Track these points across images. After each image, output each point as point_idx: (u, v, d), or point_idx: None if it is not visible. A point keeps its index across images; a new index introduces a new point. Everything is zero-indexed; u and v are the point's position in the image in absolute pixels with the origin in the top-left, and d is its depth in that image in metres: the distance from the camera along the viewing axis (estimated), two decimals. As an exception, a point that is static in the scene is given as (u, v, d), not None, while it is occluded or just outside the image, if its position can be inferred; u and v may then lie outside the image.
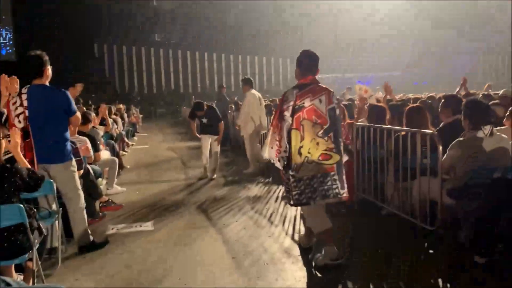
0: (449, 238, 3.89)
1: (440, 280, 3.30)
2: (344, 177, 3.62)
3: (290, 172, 3.53)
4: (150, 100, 34.74)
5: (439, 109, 4.61)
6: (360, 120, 5.37)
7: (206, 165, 7.83)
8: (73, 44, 31.44)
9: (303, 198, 3.50)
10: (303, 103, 3.50)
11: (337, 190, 3.54)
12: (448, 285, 3.22)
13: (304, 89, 3.55)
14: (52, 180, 3.84)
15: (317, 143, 3.49)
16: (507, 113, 4.45)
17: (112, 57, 37.21)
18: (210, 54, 40.53)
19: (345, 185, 3.62)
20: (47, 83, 3.96)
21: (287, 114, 3.53)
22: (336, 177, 3.54)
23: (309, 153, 3.48)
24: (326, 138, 3.50)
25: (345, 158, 3.72)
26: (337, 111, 3.59)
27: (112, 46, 36.86)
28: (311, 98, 3.52)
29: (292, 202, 3.57)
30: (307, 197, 3.50)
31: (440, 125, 4.49)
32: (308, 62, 3.69)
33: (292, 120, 3.50)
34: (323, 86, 3.64)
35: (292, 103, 3.52)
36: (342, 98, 8.64)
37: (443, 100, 4.66)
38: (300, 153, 3.49)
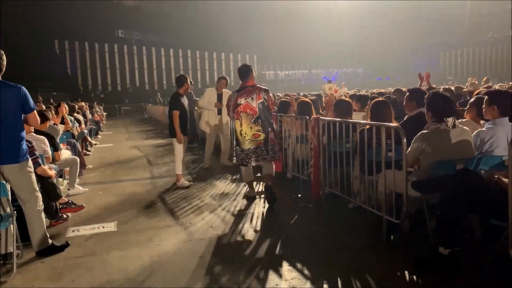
0: (414, 230, 3.93)
1: (406, 272, 3.32)
2: (269, 147, 5.37)
3: (237, 146, 5.49)
4: (114, 97, 33.90)
5: (404, 102, 4.66)
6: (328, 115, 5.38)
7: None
8: (32, 40, 30.28)
9: (243, 162, 5.44)
10: (241, 101, 5.32)
11: (264, 156, 5.37)
12: (414, 277, 3.25)
13: (242, 91, 5.38)
14: (5, 182, 3.63)
15: (251, 127, 5.33)
16: (467, 106, 4.54)
17: (74, 54, 36.04)
18: (175, 50, 39.96)
19: (270, 152, 5.39)
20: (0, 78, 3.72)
21: (231, 109, 5.43)
22: (263, 148, 5.36)
23: (246, 133, 5.34)
24: (256, 123, 5.32)
25: (271, 134, 5.46)
26: (265, 104, 5.35)
27: (74, 43, 35.70)
28: (245, 97, 5.33)
29: (236, 162, 5.58)
30: (245, 161, 5.42)
31: (405, 118, 4.54)
32: (243, 73, 5.49)
33: (234, 113, 5.40)
34: (257, 86, 5.40)
35: (233, 101, 5.39)
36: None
37: (407, 94, 4.71)
38: (241, 134, 5.38)
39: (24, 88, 3.75)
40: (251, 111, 5.29)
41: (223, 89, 8.21)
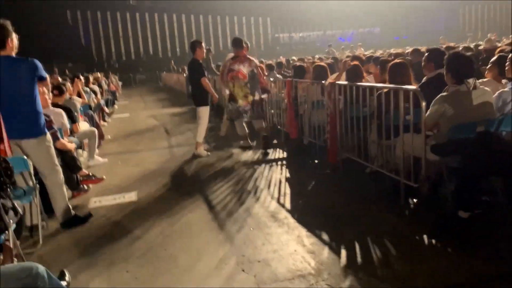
0: (433, 194, 3.90)
1: (425, 236, 3.32)
2: (254, 108, 6.55)
3: (232, 102, 6.58)
4: (129, 66, 33.84)
5: (422, 63, 4.52)
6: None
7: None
8: (45, 12, 30.13)
9: (235, 116, 6.68)
10: (234, 67, 6.40)
11: (250, 114, 6.57)
12: (433, 240, 3.24)
13: (235, 59, 6.45)
14: (25, 157, 3.70)
15: (241, 89, 6.43)
16: (489, 65, 4.38)
17: (87, 24, 35.85)
18: (187, 16, 39.35)
19: (255, 112, 6.59)
20: (13, 54, 3.73)
21: (225, 73, 6.52)
22: (249, 107, 6.51)
23: (237, 94, 6.46)
24: (245, 86, 6.40)
25: (264, 95, 6.79)
26: (254, 71, 6.43)
27: (86, 13, 35.45)
28: (238, 64, 6.40)
29: (229, 117, 7.01)
30: (236, 116, 6.67)
31: (423, 80, 4.41)
32: (237, 44, 6.56)
33: (227, 77, 6.47)
34: (247, 57, 6.50)
35: (228, 66, 6.48)
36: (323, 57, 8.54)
37: (426, 54, 4.56)
38: (233, 94, 6.49)
39: (36, 61, 3.75)
40: (242, 76, 6.36)
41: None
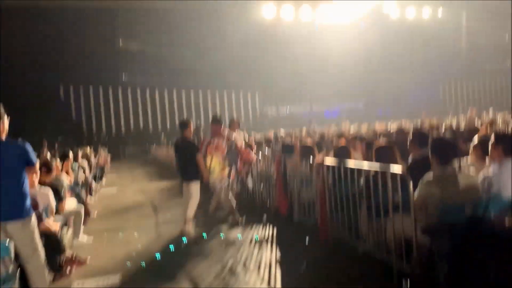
0: (426, 275, 3.82)
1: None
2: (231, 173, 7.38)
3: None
4: (119, 140, 34.15)
5: (408, 144, 4.66)
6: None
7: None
8: (37, 86, 30.84)
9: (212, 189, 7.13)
10: (213, 141, 6.90)
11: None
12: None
13: (215, 134, 7.05)
14: (8, 240, 3.59)
15: (219, 163, 6.85)
16: (471, 149, 4.51)
17: (79, 99, 36.63)
18: (178, 92, 40.53)
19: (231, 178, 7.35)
20: (3, 137, 3.76)
21: (204, 147, 6.91)
22: (226, 180, 7.03)
23: (214, 167, 6.82)
24: (224, 160, 6.95)
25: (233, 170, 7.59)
26: (232, 146, 7.32)
27: (79, 87, 36.36)
28: (218, 138, 6.94)
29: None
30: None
31: (409, 161, 4.52)
32: (217, 121, 7.25)
33: (206, 150, 6.88)
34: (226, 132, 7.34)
35: (207, 141, 7.01)
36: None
37: (410, 137, 4.72)
38: (210, 167, 6.82)
39: (27, 145, 3.79)
40: (221, 150, 6.89)
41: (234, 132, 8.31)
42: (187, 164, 6.76)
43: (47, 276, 3.98)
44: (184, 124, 6.92)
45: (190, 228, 6.57)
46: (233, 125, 8.43)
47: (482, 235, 3.12)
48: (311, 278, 4.38)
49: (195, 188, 6.68)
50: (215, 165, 6.81)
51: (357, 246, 4.72)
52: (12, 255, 3.59)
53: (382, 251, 4.17)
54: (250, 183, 8.09)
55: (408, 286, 3.83)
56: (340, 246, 5.02)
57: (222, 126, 7.21)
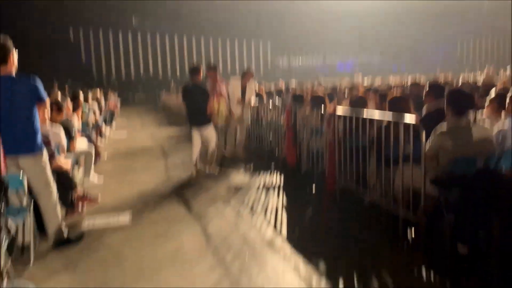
0: (431, 227, 3.86)
1: (423, 269, 3.28)
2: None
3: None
4: (128, 85, 34.06)
5: (424, 94, 4.57)
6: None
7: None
8: (47, 28, 30.43)
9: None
10: (219, 88, 7.21)
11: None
12: (431, 273, 3.20)
13: (214, 81, 7.35)
14: (22, 173, 3.65)
15: (225, 108, 7.18)
16: (487, 102, 4.42)
17: (89, 42, 36.20)
18: (189, 38, 39.82)
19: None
20: (14, 70, 3.73)
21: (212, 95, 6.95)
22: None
23: (221, 113, 7.06)
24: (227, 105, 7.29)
25: None
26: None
27: (89, 31, 35.82)
28: (220, 85, 7.27)
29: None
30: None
31: (423, 112, 4.44)
32: (209, 69, 7.53)
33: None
34: (222, 78, 7.62)
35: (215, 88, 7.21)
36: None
37: (426, 88, 4.61)
38: (217, 114, 6.99)
39: (37, 80, 3.77)
40: (225, 96, 7.19)
41: (247, 82, 8.22)
42: (200, 109, 6.77)
43: (59, 210, 4.07)
44: (195, 70, 6.84)
45: (214, 169, 6.87)
46: (247, 75, 8.25)
47: (492, 188, 3.10)
48: (316, 225, 4.46)
49: (211, 131, 6.85)
50: (222, 109, 7.03)
51: (363, 196, 4.76)
52: (26, 187, 3.66)
53: (388, 201, 4.20)
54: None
55: (413, 235, 3.89)
56: (346, 196, 5.07)
57: (218, 73, 7.53)
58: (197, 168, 6.91)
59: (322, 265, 3.41)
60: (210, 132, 6.86)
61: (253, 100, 8.44)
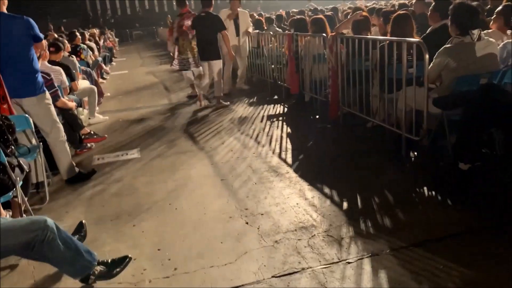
0: (434, 147, 3.92)
1: (425, 188, 3.38)
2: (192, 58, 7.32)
3: (180, 55, 7.31)
4: (125, 22, 33.10)
5: (429, 14, 4.41)
6: (344, 31, 5.16)
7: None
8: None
9: (184, 67, 7.39)
10: (182, 23, 7.10)
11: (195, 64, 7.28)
12: (433, 192, 3.30)
13: (182, 16, 7.19)
14: (27, 115, 3.70)
15: (190, 42, 7.14)
16: (494, 16, 4.28)
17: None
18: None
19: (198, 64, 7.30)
20: (5, 10, 3.64)
21: (175, 29, 7.32)
22: (193, 58, 7.26)
23: (185, 48, 7.20)
24: (193, 40, 7.10)
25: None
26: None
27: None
28: (186, 20, 7.06)
29: (178, 68, 7.54)
30: (186, 67, 7.37)
31: (428, 31, 4.33)
32: (179, 4, 7.46)
33: (178, 32, 7.20)
34: (192, 13, 7.25)
35: (177, 23, 7.26)
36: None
37: (433, 4, 4.44)
38: (183, 47, 7.21)
39: (31, 19, 3.68)
40: (190, 31, 7.05)
41: (238, 9, 7.84)
42: (210, 41, 6.84)
43: (68, 148, 4.16)
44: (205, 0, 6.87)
45: (223, 102, 7.00)
46: (234, 4, 7.78)
47: (494, 103, 3.10)
48: (319, 150, 4.54)
49: (220, 65, 7.01)
50: (186, 45, 7.21)
51: (367, 120, 4.79)
52: (32, 127, 3.72)
53: (392, 124, 4.22)
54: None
55: (416, 155, 3.96)
56: (350, 121, 5.11)
57: (187, 6, 7.50)
58: (204, 100, 7.10)
59: (326, 188, 3.52)
60: (217, 66, 6.94)
61: (251, 30, 8.18)
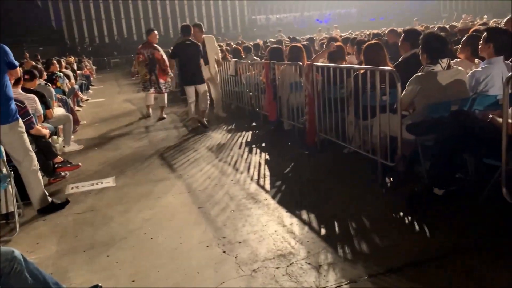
0: (408, 172, 3.98)
1: (401, 213, 3.41)
2: (160, 84, 8.46)
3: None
4: (103, 50, 33.02)
5: (399, 43, 4.57)
6: (320, 60, 5.29)
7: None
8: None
9: (144, 88, 8.73)
10: (141, 51, 8.41)
11: (158, 89, 8.50)
12: (409, 217, 3.33)
13: (144, 45, 8.53)
14: (-1, 144, 3.61)
15: (142, 68, 8.48)
16: (460, 46, 4.46)
17: (58, 6, 34.65)
18: (162, -2, 38.45)
19: (162, 86, 8.52)
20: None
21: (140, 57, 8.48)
22: (157, 83, 8.40)
23: (140, 72, 8.60)
24: (144, 67, 8.38)
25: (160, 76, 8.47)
26: (151, 56, 8.32)
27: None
28: (144, 49, 8.42)
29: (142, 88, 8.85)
30: (146, 89, 8.69)
31: (399, 60, 4.47)
32: (147, 33, 8.83)
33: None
34: (152, 45, 8.44)
35: (138, 50, 8.53)
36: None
37: (402, 34, 4.61)
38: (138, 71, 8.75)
39: (5, 46, 3.65)
40: (142, 59, 8.34)
41: (203, 36, 7.79)
42: (198, 67, 7.23)
43: (41, 178, 4.06)
44: (198, 27, 7.63)
45: (204, 121, 7.36)
46: (196, 32, 7.72)
47: (466, 130, 3.19)
48: (297, 177, 4.55)
49: (205, 87, 7.45)
50: (140, 70, 8.71)
51: (343, 147, 4.85)
52: (4, 156, 3.63)
53: (367, 150, 4.28)
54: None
55: (392, 181, 4.01)
56: (327, 147, 5.16)
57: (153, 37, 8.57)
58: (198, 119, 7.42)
59: (304, 214, 3.51)
60: (203, 88, 7.35)
61: (220, 55, 8.21)
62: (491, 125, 3.09)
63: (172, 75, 8.69)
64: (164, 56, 8.43)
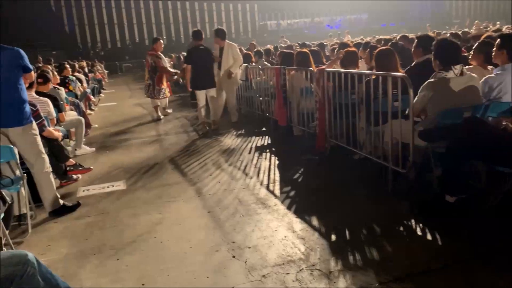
0: (420, 179, 3.94)
1: (412, 220, 3.37)
2: (156, 89, 9.11)
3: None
4: (115, 54, 33.32)
5: (412, 49, 4.55)
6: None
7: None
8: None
9: (149, 95, 9.33)
10: (146, 58, 9.10)
11: (153, 95, 9.20)
12: (420, 224, 3.30)
13: (151, 51, 8.96)
14: (12, 146, 3.65)
15: (147, 74, 9.20)
16: (472, 52, 4.42)
17: (71, 10, 35.08)
18: (173, 3, 38.72)
19: (159, 92, 9.14)
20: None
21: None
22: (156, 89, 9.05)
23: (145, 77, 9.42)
24: (148, 72, 9.13)
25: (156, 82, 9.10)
26: (153, 64, 8.95)
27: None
28: (148, 56, 9.05)
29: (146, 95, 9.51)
30: (151, 95, 9.32)
31: (412, 65, 4.44)
32: (153, 41, 9.26)
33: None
34: (153, 53, 8.94)
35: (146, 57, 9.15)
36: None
37: (415, 41, 4.59)
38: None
39: (21, 50, 3.71)
40: (147, 65, 9.14)
41: (225, 43, 7.74)
42: (209, 72, 7.38)
43: (53, 180, 4.10)
44: (199, 33, 7.55)
45: (217, 125, 7.56)
46: (216, 39, 7.72)
47: (478, 137, 3.15)
48: (307, 183, 4.54)
49: (213, 92, 7.49)
50: (145, 75, 9.48)
51: (354, 153, 4.82)
52: (17, 158, 3.67)
53: (378, 156, 4.26)
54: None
55: (403, 187, 3.97)
56: (337, 154, 5.13)
57: (157, 45, 8.97)
58: (207, 123, 7.57)
59: (314, 220, 3.49)
60: (212, 92, 7.46)
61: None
62: (504, 132, 3.06)
63: (177, 78, 10.01)
64: (166, 64, 9.30)
